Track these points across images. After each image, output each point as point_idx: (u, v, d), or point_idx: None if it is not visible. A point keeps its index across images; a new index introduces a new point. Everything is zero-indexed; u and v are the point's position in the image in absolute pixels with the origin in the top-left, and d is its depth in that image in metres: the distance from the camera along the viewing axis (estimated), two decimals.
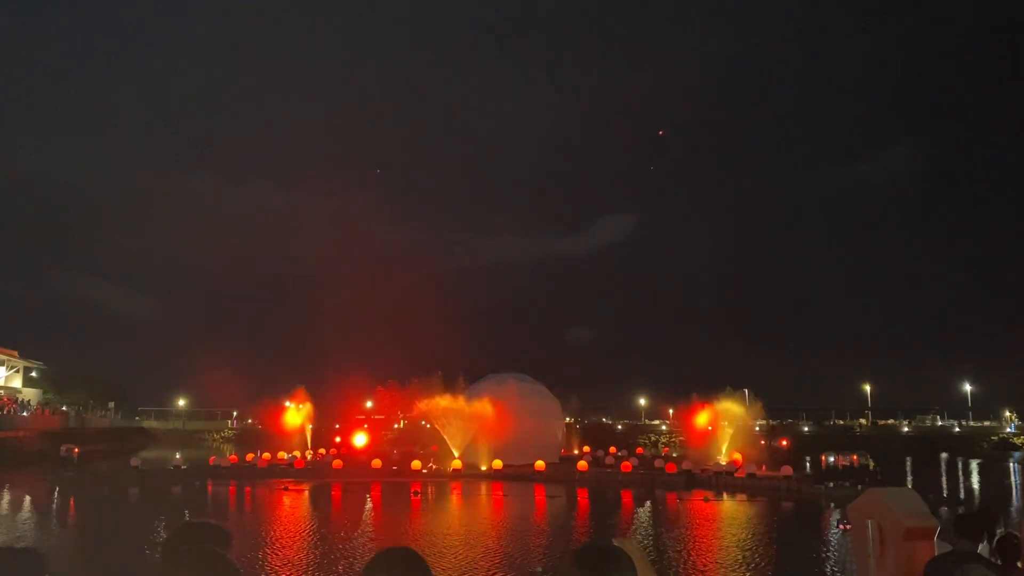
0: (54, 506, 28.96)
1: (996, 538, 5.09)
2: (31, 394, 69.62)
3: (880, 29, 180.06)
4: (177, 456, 40.13)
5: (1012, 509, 29.60)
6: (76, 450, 37.84)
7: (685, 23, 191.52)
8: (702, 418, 51.53)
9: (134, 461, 38.44)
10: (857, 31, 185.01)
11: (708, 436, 48.45)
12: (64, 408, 68.10)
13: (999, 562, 4.85)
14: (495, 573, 15.78)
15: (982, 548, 5.06)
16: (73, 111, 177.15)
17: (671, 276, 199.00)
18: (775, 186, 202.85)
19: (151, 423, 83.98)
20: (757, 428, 58.88)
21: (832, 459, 34.38)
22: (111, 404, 79.33)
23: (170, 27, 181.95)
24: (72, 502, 30.06)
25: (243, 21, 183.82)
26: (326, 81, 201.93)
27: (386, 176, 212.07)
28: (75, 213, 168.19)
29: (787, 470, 34.62)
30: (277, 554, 17.77)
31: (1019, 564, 4.96)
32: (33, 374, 74.32)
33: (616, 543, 2.31)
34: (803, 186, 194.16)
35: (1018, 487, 41.08)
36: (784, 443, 56.65)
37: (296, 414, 53.07)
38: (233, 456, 42.01)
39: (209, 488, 34.04)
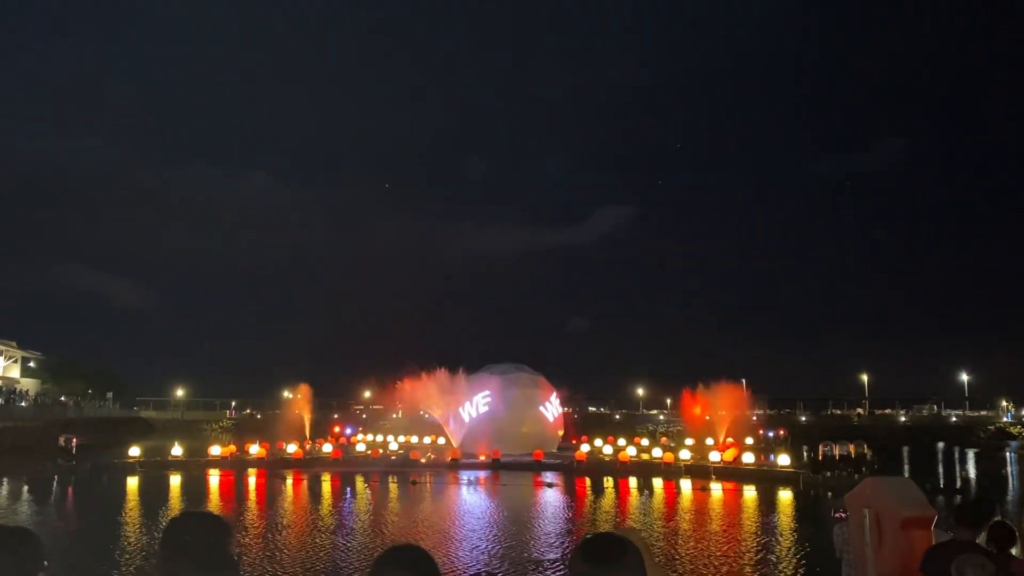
0: (52, 496, 29.00)
1: (990, 526, 5.12)
2: (29, 384, 69.60)
3: (877, 22, 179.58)
4: (176, 446, 40.16)
5: (1008, 498, 29.74)
6: (75, 440, 37.84)
7: (681, 17, 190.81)
8: (700, 408, 51.67)
9: (133, 451, 38.49)
10: (855, 25, 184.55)
11: (706, 426, 48.56)
12: (62, 398, 68.09)
13: (994, 550, 4.87)
14: (492, 562, 15.84)
15: (979, 537, 5.08)
16: (69, 105, 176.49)
17: (668, 266, 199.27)
18: (773, 177, 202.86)
19: (149, 413, 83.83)
20: (754, 418, 59.05)
21: (829, 448, 34.42)
22: (109, 394, 79.21)
23: (166, 19, 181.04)
24: (71, 492, 30.12)
25: (239, 13, 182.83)
26: (322, 72, 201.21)
27: (384, 168, 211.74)
28: (73, 204, 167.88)
29: (784, 459, 34.73)
30: (276, 545, 17.81)
31: (1013, 551, 4.98)
32: (31, 364, 74.30)
33: (619, 533, 2.30)
34: (801, 177, 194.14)
35: (1015, 476, 41.24)
36: (781, 432, 56.82)
37: (295, 404, 53.09)
38: (232, 446, 42.06)
39: (207, 478, 34.11)
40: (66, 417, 58.89)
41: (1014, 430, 75.57)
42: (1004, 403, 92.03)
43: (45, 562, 2.53)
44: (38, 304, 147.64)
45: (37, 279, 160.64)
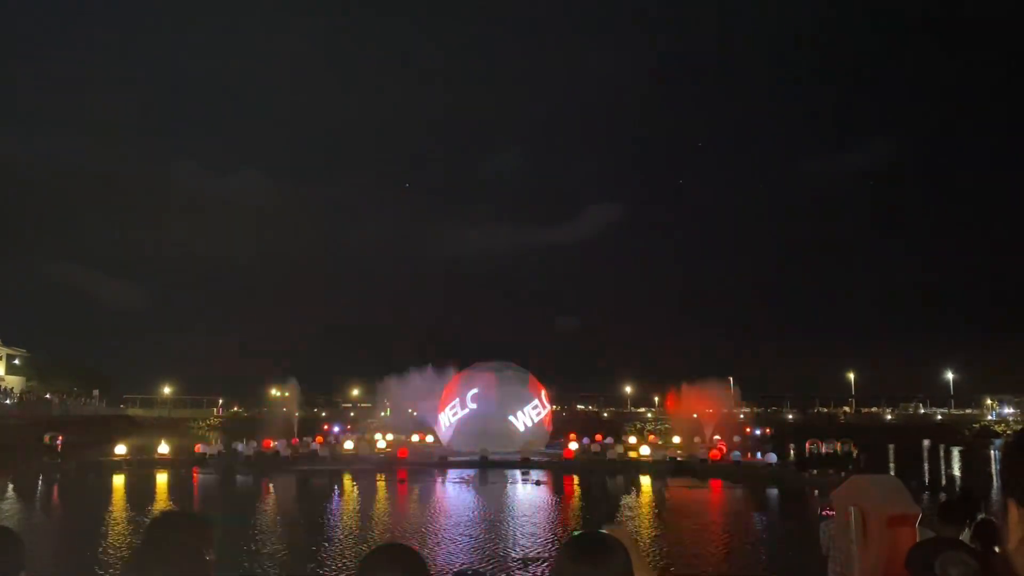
0: (37, 495, 28.77)
1: (975, 523, 5.14)
2: (14, 382, 69.04)
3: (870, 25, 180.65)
4: (162, 444, 39.88)
5: (993, 495, 29.98)
6: (60, 438, 37.53)
7: (672, 15, 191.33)
8: (687, 405, 51.84)
9: (119, 449, 38.19)
10: (845, 26, 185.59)
11: (693, 424, 48.71)
12: (48, 396, 67.55)
13: (979, 547, 4.89)
14: (484, 560, 15.83)
15: (963, 534, 5.11)
16: (57, 101, 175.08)
17: (657, 265, 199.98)
18: (761, 176, 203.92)
19: (136, 411, 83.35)
20: (741, 416, 59.32)
21: (816, 446, 34.61)
22: (95, 392, 78.70)
23: (157, 15, 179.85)
24: (56, 491, 29.88)
25: (232, 8, 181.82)
26: (312, 70, 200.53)
27: (376, 165, 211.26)
28: (60, 201, 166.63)
29: (771, 457, 34.88)
30: (260, 544, 17.73)
31: (997, 548, 5.01)
32: (16, 362, 73.70)
33: (606, 531, 2.29)
34: (789, 176, 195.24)
35: (998, 474, 41.59)
36: (768, 431, 57.12)
37: (283, 402, 52.89)
38: (219, 444, 41.82)
39: (195, 477, 33.91)
40: (51, 415, 58.38)
41: (998, 428, 76.32)
42: (989, 401, 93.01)
43: (25, 562, 2.50)
44: (23, 301, 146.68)
45: (23, 276, 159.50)
